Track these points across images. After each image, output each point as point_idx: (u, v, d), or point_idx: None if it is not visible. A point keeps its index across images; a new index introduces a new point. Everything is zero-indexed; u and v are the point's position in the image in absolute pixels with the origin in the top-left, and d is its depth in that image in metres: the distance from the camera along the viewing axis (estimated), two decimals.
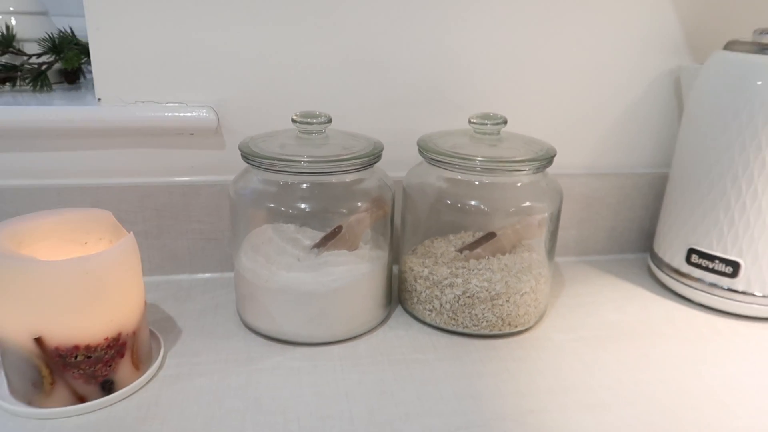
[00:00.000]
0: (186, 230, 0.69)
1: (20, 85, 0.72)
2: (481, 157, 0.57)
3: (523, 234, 0.61)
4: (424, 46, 0.68)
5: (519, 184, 0.61)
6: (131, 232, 0.50)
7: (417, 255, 0.63)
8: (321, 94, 0.68)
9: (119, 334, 0.48)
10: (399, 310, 0.66)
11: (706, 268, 0.66)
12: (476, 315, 0.59)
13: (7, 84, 0.72)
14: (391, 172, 0.64)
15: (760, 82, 0.60)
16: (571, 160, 0.76)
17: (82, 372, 0.47)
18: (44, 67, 0.71)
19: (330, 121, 0.59)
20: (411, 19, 0.67)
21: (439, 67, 0.69)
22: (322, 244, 0.58)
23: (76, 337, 0.46)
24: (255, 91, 0.66)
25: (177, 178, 0.68)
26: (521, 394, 0.52)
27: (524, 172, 0.58)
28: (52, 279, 0.44)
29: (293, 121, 0.59)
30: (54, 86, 0.74)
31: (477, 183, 0.60)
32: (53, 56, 0.72)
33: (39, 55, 0.72)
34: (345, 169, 0.56)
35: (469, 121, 0.62)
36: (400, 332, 0.61)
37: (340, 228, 0.57)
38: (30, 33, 0.73)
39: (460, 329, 0.60)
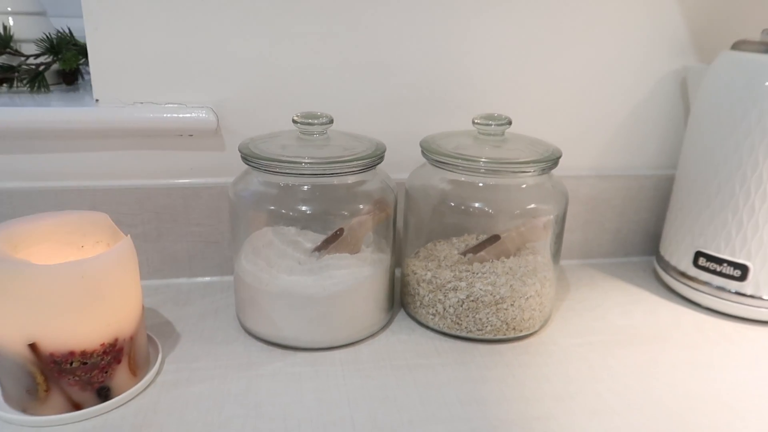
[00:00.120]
0: (185, 233, 0.68)
1: (17, 86, 0.71)
2: (485, 158, 0.56)
3: (528, 237, 0.60)
4: (428, 46, 0.67)
5: (524, 186, 0.60)
6: (128, 236, 0.49)
7: (420, 258, 0.62)
8: (322, 94, 0.67)
9: (116, 340, 0.47)
10: (402, 314, 0.65)
11: (714, 272, 0.65)
12: (480, 319, 0.58)
13: (5, 85, 0.71)
14: (394, 174, 0.64)
15: None
16: (575, 161, 0.75)
17: (77, 378, 0.46)
18: (42, 67, 0.71)
19: (331, 121, 0.58)
20: (414, 19, 0.66)
21: (442, 67, 0.68)
22: (324, 247, 0.57)
23: (72, 342, 0.45)
24: (255, 91, 0.66)
25: (176, 180, 0.67)
26: (527, 400, 0.51)
27: (529, 173, 0.57)
28: (46, 283, 0.43)
29: (294, 121, 0.58)
30: (52, 87, 0.73)
31: (481, 185, 0.59)
32: (51, 57, 0.71)
33: (36, 56, 0.71)
34: (347, 170, 0.55)
35: (473, 122, 0.61)
36: (403, 337, 0.60)
37: (341, 231, 0.56)
38: (28, 33, 0.73)
39: (464, 334, 0.59)
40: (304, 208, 0.55)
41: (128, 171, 0.66)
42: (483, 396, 0.51)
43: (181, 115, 0.63)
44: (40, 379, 0.45)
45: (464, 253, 0.60)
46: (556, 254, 0.62)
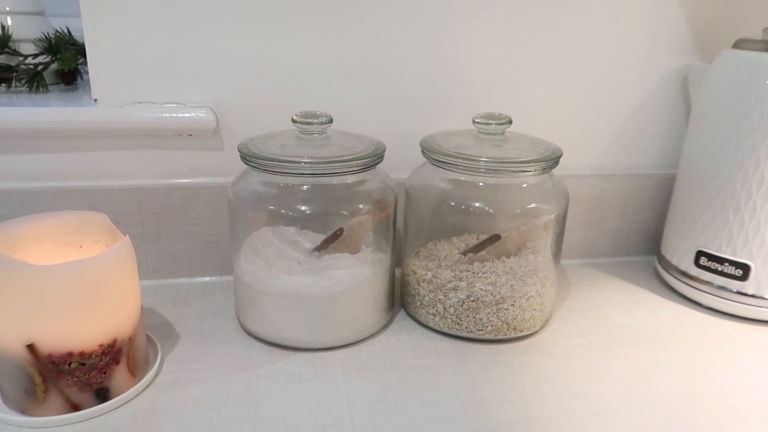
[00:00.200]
0: (185, 233, 0.68)
1: (16, 86, 0.71)
2: (486, 157, 0.56)
3: (528, 236, 0.60)
4: (428, 45, 0.67)
5: (524, 186, 0.59)
6: (127, 236, 0.49)
7: (420, 258, 0.62)
8: (322, 93, 0.67)
9: (114, 341, 0.47)
10: (402, 314, 0.64)
11: (715, 271, 0.65)
12: (481, 319, 0.58)
13: (3, 85, 0.71)
14: (394, 174, 0.63)
15: None
16: (576, 161, 0.75)
17: (76, 379, 0.46)
18: (40, 67, 0.70)
19: (331, 121, 0.58)
20: (414, 19, 0.66)
21: (442, 66, 0.68)
22: (323, 247, 0.56)
23: (70, 343, 0.44)
24: (255, 91, 0.65)
25: (175, 180, 0.67)
26: (527, 401, 0.51)
27: (530, 173, 0.57)
28: (44, 284, 0.43)
29: (293, 121, 0.57)
30: (51, 87, 0.73)
31: (481, 184, 0.58)
32: (49, 57, 0.71)
33: (35, 56, 0.71)
34: (346, 170, 0.54)
35: (474, 121, 0.61)
36: (403, 337, 0.60)
37: (341, 230, 0.56)
38: (26, 33, 0.72)
39: (464, 334, 0.59)
40: (303, 208, 0.55)
41: (127, 171, 0.66)
42: (483, 397, 0.51)
43: (180, 115, 0.63)
44: (38, 380, 0.45)
45: (465, 253, 0.60)
46: (557, 254, 0.62)
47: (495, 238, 0.60)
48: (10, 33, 0.70)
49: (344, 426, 0.47)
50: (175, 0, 0.61)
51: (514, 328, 0.59)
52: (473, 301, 0.58)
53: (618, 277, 0.75)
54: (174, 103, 0.64)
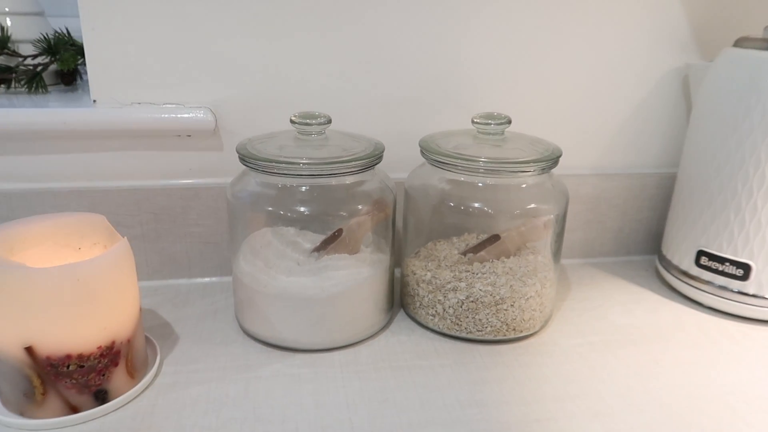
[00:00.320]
0: (184, 234, 0.68)
1: (15, 87, 0.71)
2: (485, 158, 0.56)
3: (528, 236, 0.60)
4: (427, 45, 0.67)
5: (524, 186, 0.59)
6: (125, 237, 0.49)
7: (419, 258, 0.62)
8: (321, 94, 0.67)
9: (113, 343, 0.47)
10: (401, 314, 0.64)
11: (716, 271, 0.65)
12: (480, 320, 0.58)
13: (2, 86, 0.71)
14: (393, 174, 0.63)
15: None
16: (576, 160, 0.75)
17: (74, 382, 0.46)
18: (39, 68, 0.70)
19: (329, 121, 0.58)
20: (413, 18, 0.65)
21: (441, 65, 0.68)
22: (323, 247, 0.56)
23: (68, 346, 0.44)
24: (253, 91, 0.65)
25: (175, 181, 0.67)
26: (527, 402, 0.51)
27: (529, 173, 0.57)
28: (41, 286, 0.43)
29: (292, 122, 0.57)
30: (51, 88, 0.73)
31: (480, 185, 0.58)
32: (48, 57, 0.71)
33: (34, 57, 0.71)
34: (345, 171, 0.54)
35: (473, 121, 0.61)
36: (403, 338, 0.60)
37: (340, 231, 0.56)
38: (25, 34, 0.72)
39: (463, 334, 0.59)
40: (302, 209, 0.55)
41: (126, 172, 0.66)
42: (483, 398, 0.51)
43: (179, 116, 0.63)
44: (36, 382, 0.45)
45: (464, 253, 0.60)
46: (557, 254, 0.62)
47: (495, 238, 0.59)
48: (9, 34, 0.70)
49: (343, 427, 0.47)
50: (174, 0, 0.61)
51: (514, 329, 0.59)
52: (473, 301, 0.58)
53: (618, 276, 0.75)
54: (173, 104, 0.64)
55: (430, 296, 0.60)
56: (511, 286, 0.57)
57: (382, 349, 0.58)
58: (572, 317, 0.65)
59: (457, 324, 0.59)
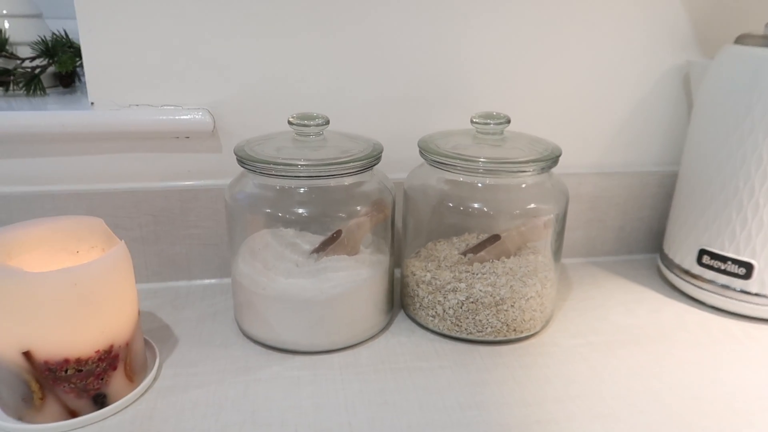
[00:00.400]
0: (183, 236, 0.68)
1: (14, 90, 0.71)
2: (484, 158, 0.55)
3: (528, 236, 0.59)
4: (426, 45, 0.66)
5: (524, 186, 0.59)
6: (123, 241, 0.49)
7: (419, 259, 0.62)
8: (319, 94, 0.66)
9: (111, 346, 0.47)
10: (401, 315, 0.64)
11: (718, 270, 0.64)
12: (480, 321, 0.58)
13: (0, 88, 0.71)
14: (392, 174, 0.63)
15: None
16: (577, 159, 0.74)
17: (73, 386, 0.46)
18: (38, 70, 0.70)
19: (327, 122, 0.58)
20: (412, 18, 0.65)
21: (440, 65, 0.68)
22: (322, 249, 0.56)
23: (66, 350, 0.44)
24: (252, 92, 0.65)
25: (173, 183, 0.66)
26: (527, 404, 0.50)
27: (529, 173, 0.57)
28: (39, 291, 0.43)
29: (290, 123, 0.57)
30: (50, 90, 0.73)
31: (480, 185, 0.58)
32: (46, 59, 0.71)
33: (32, 59, 0.71)
34: (343, 172, 0.54)
35: (472, 121, 0.60)
36: (403, 339, 0.60)
37: (339, 232, 0.56)
38: (23, 36, 0.72)
39: (464, 335, 0.59)
40: (300, 210, 0.55)
41: (125, 174, 0.65)
42: (483, 399, 0.51)
43: (177, 117, 0.63)
44: (35, 387, 0.45)
45: (464, 253, 0.59)
46: (557, 253, 0.61)
47: (495, 238, 0.59)
48: (7, 36, 0.70)
49: (342, 430, 0.47)
50: (172, 1, 0.60)
51: (514, 330, 0.58)
52: (473, 302, 0.57)
53: (620, 275, 0.75)
54: (171, 106, 0.64)
55: (430, 297, 0.59)
56: (511, 286, 0.57)
57: (382, 351, 0.57)
58: (573, 317, 0.64)
59: (458, 325, 0.58)
